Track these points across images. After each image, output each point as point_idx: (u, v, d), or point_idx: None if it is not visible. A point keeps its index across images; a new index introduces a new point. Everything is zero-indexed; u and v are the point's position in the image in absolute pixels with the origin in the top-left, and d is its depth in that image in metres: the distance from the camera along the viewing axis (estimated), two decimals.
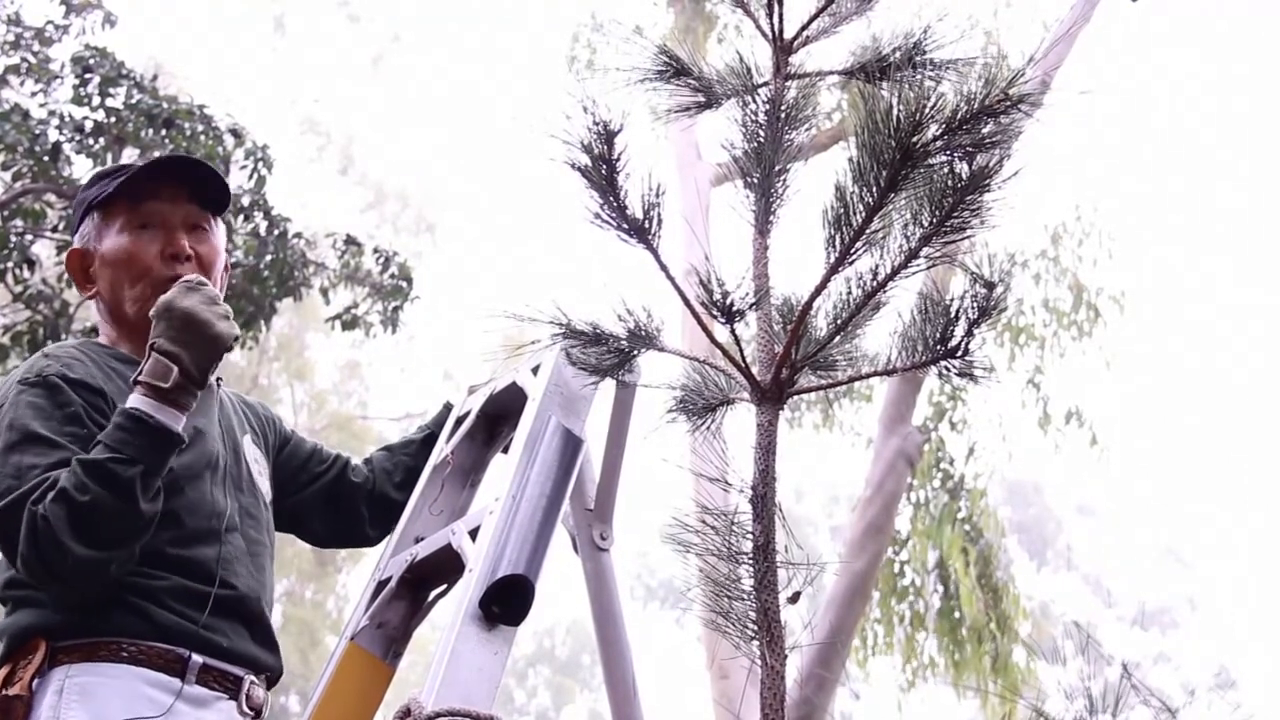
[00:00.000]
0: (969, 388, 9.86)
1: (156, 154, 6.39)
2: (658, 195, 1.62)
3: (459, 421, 2.28)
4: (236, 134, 6.62)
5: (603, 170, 1.61)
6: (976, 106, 1.44)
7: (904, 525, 10.39)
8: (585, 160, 1.62)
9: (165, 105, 6.43)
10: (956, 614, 10.14)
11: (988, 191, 1.48)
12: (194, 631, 1.84)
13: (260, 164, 6.58)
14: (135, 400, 1.81)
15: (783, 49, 1.81)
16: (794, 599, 1.58)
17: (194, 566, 1.89)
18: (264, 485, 2.12)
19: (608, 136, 1.61)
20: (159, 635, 1.82)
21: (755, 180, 1.69)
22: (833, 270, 1.55)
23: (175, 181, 2.07)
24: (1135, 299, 11.66)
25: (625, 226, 1.64)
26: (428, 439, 2.33)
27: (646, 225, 1.64)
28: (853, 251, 1.53)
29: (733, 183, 1.76)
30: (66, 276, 6.55)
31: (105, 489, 1.73)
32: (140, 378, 1.82)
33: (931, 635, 10.37)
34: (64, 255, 2.12)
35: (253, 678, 1.92)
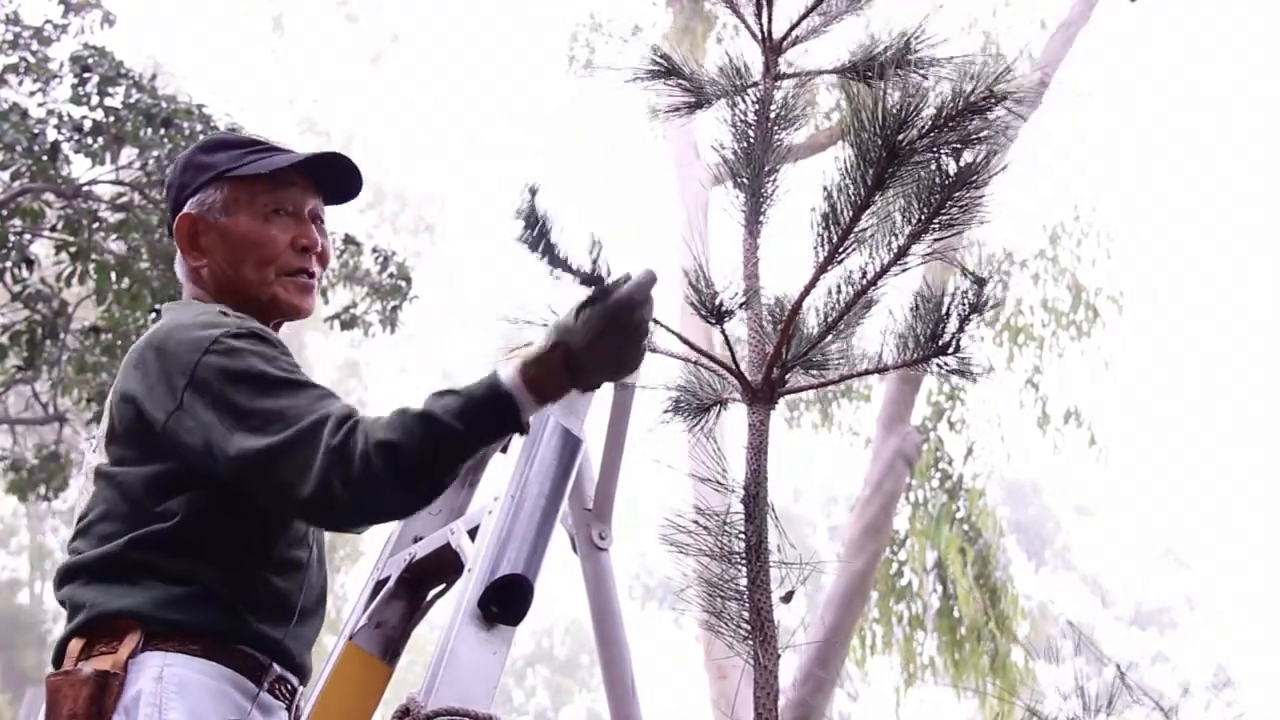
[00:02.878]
0: (967, 388, 9.87)
1: (156, 147, 6.39)
2: (599, 249, 1.56)
3: None
4: (235, 133, 6.62)
5: (535, 231, 1.58)
6: (962, 103, 1.44)
7: (902, 525, 10.40)
8: (523, 228, 1.59)
9: (164, 104, 6.43)
10: (955, 614, 10.15)
11: (975, 188, 1.47)
12: (280, 641, 1.83)
13: None
14: (512, 380, 1.65)
15: (772, 49, 1.81)
16: (787, 598, 1.58)
17: (292, 567, 1.87)
18: None
19: (532, 198, 1.57)
20: (247, 638, 1.80)
21: (745, 180, 1.69)
22: (822, 269, 1.55)
23: (310, 171, 2.02)
24: (1134, 299, 11.70)
25: (579, 280, 1.60)
26: None
27: (598, 273, 1.58)
28: (842, 250, 1.53)
29: (723, 184, 1.77)
30: (65, 275, 6.57)
31: (438, 449, 1.64)
32: (532, 357, 1.65)
33: (930, 635, 10.38)
34: (175, 218, 2.00)
35: (302, 688, 1.93)
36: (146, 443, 1.83)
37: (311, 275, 2.01)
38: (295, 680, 1.89)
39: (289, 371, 1.78)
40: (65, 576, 1.85)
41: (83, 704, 1.68)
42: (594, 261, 1.59)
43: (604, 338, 1.61)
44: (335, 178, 2.05)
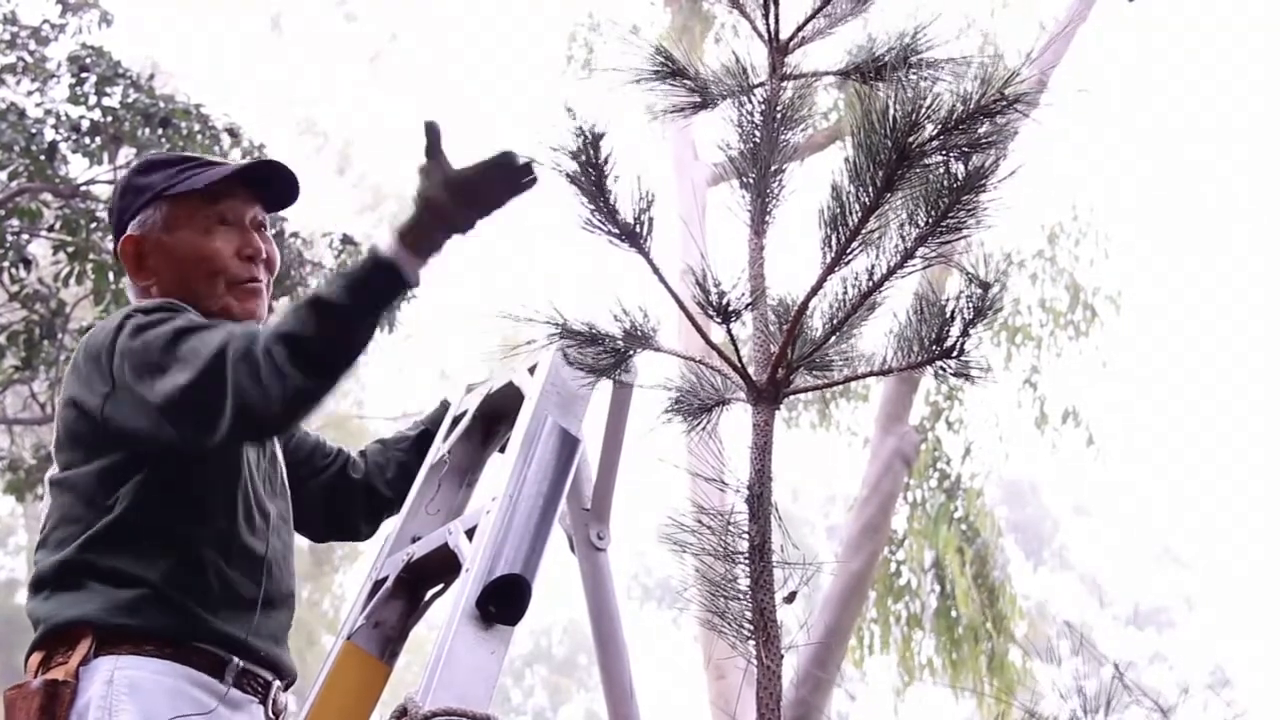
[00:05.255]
0: (965, 388, 9.87)
1: (154, 147, 6.38)
2: (648, 199, 1.61)
3: (456, 421, 2.28)
4: (233, 133, 6.63)
5: (590, 175, 1.61)
6: (972, 107, 1.44)
7: (900, 525, 10.41)
8: (573, 166, 1.62)
9: (162, 104, 6.43)
10: (953, 614, 10.16)
11: (984, 192, 1.48)
12: (235, 634, 1.84)
13: None
14: (389, 247, 1.83)
15: (779, 49, 1.81)
16: (790, 599, 1.58)
17: (249, 559, 1.90)
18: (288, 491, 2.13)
19: (594, 141, 1.60)
20: (203, 636, 1.81)
21: (751, 181, 1.69)
22: (829, 270, 1.55)
23: (248, 181, 2.07)
24: (1132, 299, 11.70)
25: (616, 231, 1.64)
26: (422, 435, 2.32)
27: (638, 229, 1.64)
28: (849, 252, 1.53)
29: (729, 183, 1.77)
30: (63, 275, 6.56)
31: (327, 325, 1.76)
32: (403, 227, 1.84)
33: (928, 635, 10.38)
34: (120, 241, 2.07)
35: (279, 683, 1.93)
36: (90, 439, 1.88)
37: (258, 280, 2.05)
38: (269, 675, 1.90)
39: (201, 322, 1.85)
40: (31, 590, 1.88)
41: (34, 715, 1.71)
42: (639, 215, 1.61)
43: (459, 194, 1.83)
44: (273, 185, 2.10)
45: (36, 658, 1.80)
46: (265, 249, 2.07)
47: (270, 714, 1.90)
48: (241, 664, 1.84)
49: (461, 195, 1.86)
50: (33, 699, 1.71)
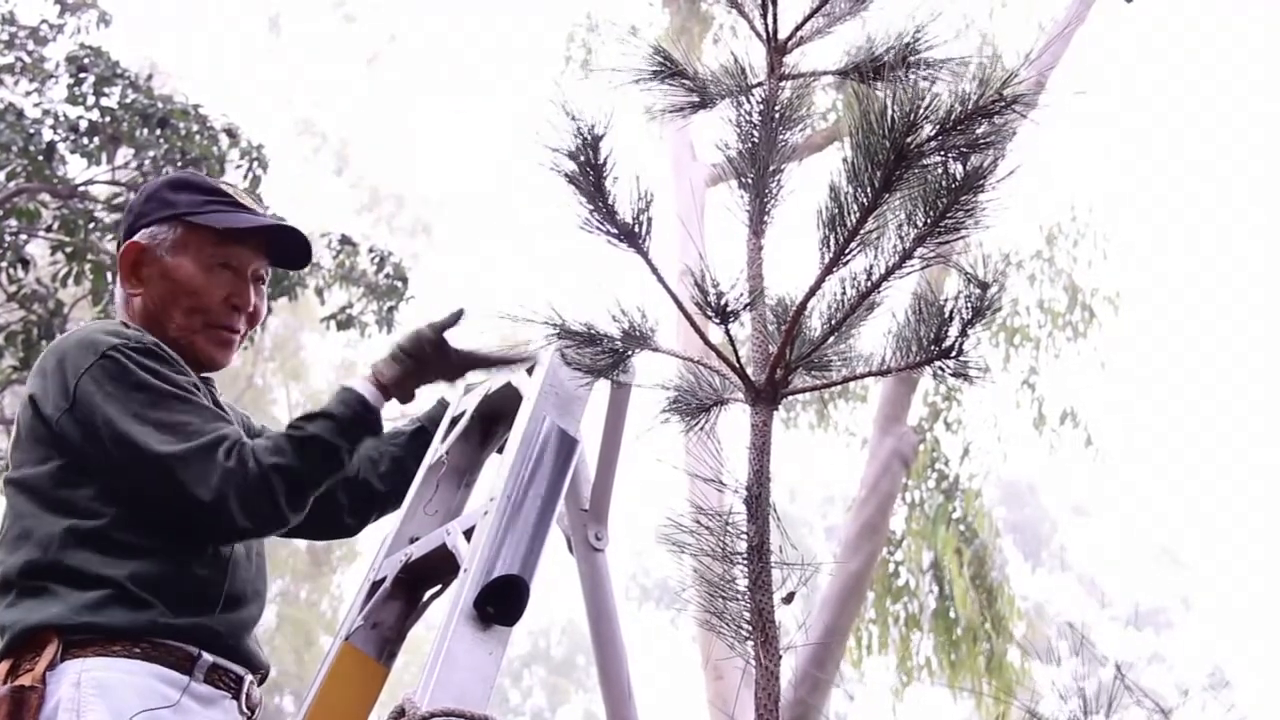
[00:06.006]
0: (964, 388, 9.87)
1: (152, 147, 6.38)
2: (647, 200, 1.61)
3: (454, 421, 2.28)
4: (231, 134, 6.62)
5: (589, 176, 1.61)
6: (971, 107, 1.44)
7: (899, 525, 10.40)
8: (571, 167, 1.62)
9: (160, 105, 6.43)
10: (951, 614, 10.15)
11: (982, 192, 1.48)
12: (205, 629, 1.84)
13: (255, 164, 6.58)
14: (369, 391, 2.03)
15: (777, 49, 1.81)
16: (788, 599, 1.58)
17: (212, 558, 1.90)
18: None
19: (593, 142, 1.60)
20: (171, 633, 1.81)
21: (750, 181, 1.69)
22: (827, 270, 1.55)
23: (264, 233, 2.11)
24: (1130, 300, 11.69)
25: (615, 231, 1.64)
26: (417, 432, 2.32)
27: (636, 230, 1.63)
28: (847, 252, 1.53)
29: (727, 183, 1.77)
30: (61, 275, 6.56)
31: (324, 467, 1.94)
32: (390, 378, 2.05)
33: (926, 636, 10.38)
34: (122, 246, 2.10)
35: (251, 677, 1.93)
36: (45, 441, 1.89)
37: (236, 331, 2.10)
38: (241, 670, 1.90)
39: (180, 389, 1.90)
40: None
41: None
42: (637, 215, 1.62)
43: (434, 358, 2.07)
44: (286, 244, 2.14)
45: (4, 666, 1.79)
46: (255, 303, 2.11)
47: (245, 708, 1.90)
48: (211, 659, 1.84)
49: (453, 369, 2.11)
50: None
